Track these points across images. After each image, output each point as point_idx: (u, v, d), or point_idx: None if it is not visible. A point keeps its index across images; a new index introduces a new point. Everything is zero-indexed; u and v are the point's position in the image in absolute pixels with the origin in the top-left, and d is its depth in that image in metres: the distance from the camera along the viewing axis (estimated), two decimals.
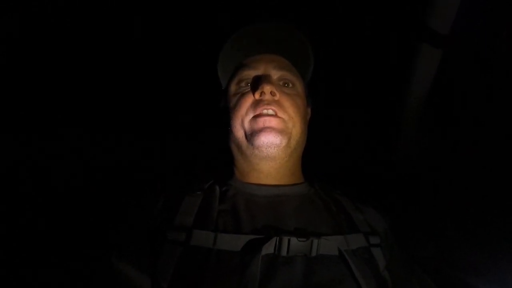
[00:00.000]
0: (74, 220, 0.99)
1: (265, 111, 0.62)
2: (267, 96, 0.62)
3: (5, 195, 0.99)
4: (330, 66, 1.02)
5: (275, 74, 0.67)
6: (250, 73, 0.68)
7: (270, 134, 0.61)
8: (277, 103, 0.63)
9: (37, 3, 0.97)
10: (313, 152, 0.78)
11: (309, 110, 0.76)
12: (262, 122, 0.61)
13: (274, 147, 0.61)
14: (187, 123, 1.18)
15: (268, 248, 0.51)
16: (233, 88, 0.69)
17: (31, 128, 1.07)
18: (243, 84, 0.68)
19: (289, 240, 0.52)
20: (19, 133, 1.06)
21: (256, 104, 0.63)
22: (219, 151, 0.77)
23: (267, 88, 0.62)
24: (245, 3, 1.00)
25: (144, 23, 1.05)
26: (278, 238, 0.52)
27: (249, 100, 0.64)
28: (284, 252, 0.52)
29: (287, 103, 0.64)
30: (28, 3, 0.97)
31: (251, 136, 0.62)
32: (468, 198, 0.92)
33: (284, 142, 0.62)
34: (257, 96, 0.63)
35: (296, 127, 0.65)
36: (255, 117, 0.62)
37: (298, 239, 0.52)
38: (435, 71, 0.89)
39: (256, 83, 0.65)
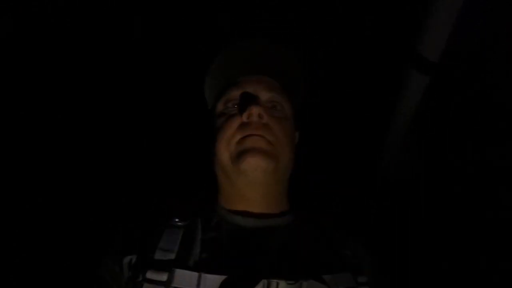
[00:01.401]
0: (73, 220, 0.99)
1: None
2: (255, 119, 0.59)
3: (5, 195, 0.99)
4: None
5: (264, 95, 0.64)
6: (238, 94, 0.65)
7: (257, 156, 0.58)
8: (265, 126, 0.60)
9: (37, 3, 0.97)
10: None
11: (297, 134, 0.72)
12: (250, 142, 0.58)
13: (261, 171, 0.58)
14: (186, 123, 1.18)
15: None
16: (219, 108, 0.66)
17: (31, 128, 1.08)
18: (230, 104, 0.65)
19: (277, 284, 0.50)
20: (19, 133, 1.06)
21: (243, 126, 0.60)
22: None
23: (255, 110, 0.59)
24: (245, 3, 1.00)
25: (144, 23, 1.06)
26: (266, 281, 0.50)
27: (235, 122, 0.61)
28: None
29: (275, 126, 0.61)
30: (28, 3, 0.97)
31: (237, 158, 0.59)
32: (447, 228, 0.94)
33: (271, 166, 0.59)
34: (244, 118, 0.60)
35: (284, 152, 0.62)
36: (243, 138, 0.59)
37: (287, 282, 0.50)
38: (421, 96, 0.91)
39: (244, 105, 0.61)
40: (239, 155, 0.58)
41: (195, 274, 0.50)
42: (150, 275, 0.50)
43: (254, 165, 0.58)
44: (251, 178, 0.59)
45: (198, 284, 0.49)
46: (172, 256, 0.53)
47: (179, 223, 0.58)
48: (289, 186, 0.69)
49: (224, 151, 0.61)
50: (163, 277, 0.50)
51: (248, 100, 0.62)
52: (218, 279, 0.50)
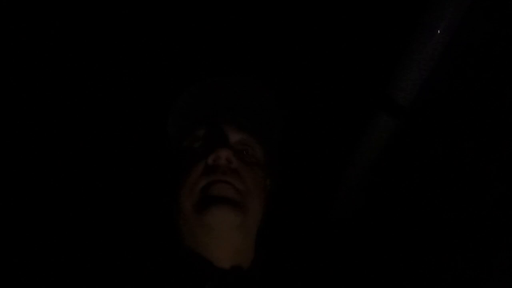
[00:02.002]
0: (73, 220, 0.99)
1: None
2: (223, 162, 0.53)
3: (5, 195, 1.00)
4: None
5: (234, 137, 0.58)
6: (206, 132, 0.58)
7: (224, 207, 0.51)
8: (234, 172, 0.54)
9: (37, 3, 0.97)
10: None
11: (268, 181, 0.63)
12: (216, 189, 0.52)
13: (227, 224, 0.51)
14: None
15: None
16: (184, 148, 0.60)
17: (31, 128, 1.08)
18: (196, 144, 0.58)
19: None
20: (19, 133, 1.07)
21: (209, 171, 0.53)
22: None
23: (223, 153, 0.52)
24: (244, 3, 0.99)
25: (144, 23, 1.06)
26: None
27: (201, 165, 0.54)
28: None
29: (245, 173, 0.55)
30: (28, 3, 0.97)
31: (200, 208, 0.51)
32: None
33: (239, 219, 0.52)
34: (210, 160, 0.53)
35: (254, 203, 0.55)
36: (208, 184, 0.52)
37: None
38: (386, 140, 0.92)
39: (211, 146, 0.54)
40: (203, 205, 0.51)
41: None
42: None
43: (219, 217, 0.50)
44: (215, 233, 0.52)
45: None
46: None
47: None
48: (257, 238, 0.60)
49: (186, 199, 0.53)
50: None
51: (216, 141, 0.56)
52: None
